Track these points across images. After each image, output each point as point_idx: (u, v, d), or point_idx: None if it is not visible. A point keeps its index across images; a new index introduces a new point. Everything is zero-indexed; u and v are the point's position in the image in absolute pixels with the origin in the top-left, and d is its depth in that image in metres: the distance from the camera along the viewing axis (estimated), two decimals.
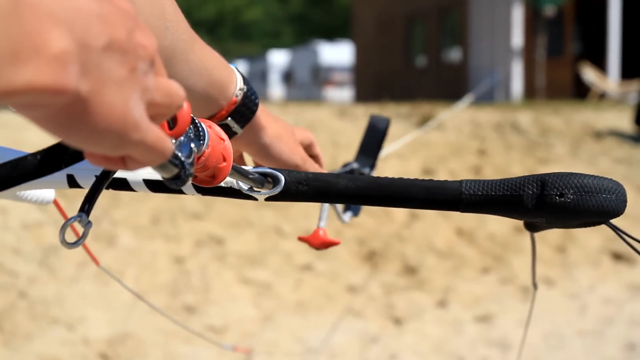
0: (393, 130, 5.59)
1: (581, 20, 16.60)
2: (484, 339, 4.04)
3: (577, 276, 4.98)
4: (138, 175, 0.70)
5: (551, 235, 5.58)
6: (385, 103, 9.93)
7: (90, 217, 0.60)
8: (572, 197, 0.66)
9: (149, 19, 0.71)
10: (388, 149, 1.03)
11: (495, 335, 4.06)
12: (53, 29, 0.36)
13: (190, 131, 0.52)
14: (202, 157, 0.54)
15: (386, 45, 20.29)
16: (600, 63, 15.65)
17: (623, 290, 4.80)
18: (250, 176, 0.66)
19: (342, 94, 23.78)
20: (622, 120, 8.89)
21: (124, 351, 3.68)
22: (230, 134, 0.82)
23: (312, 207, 5.62)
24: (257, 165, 0.85)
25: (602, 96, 14.26)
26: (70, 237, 0.59)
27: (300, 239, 0.93)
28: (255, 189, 0.68)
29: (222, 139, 0.56)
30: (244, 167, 0.68)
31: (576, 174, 0.67)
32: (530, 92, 15.36)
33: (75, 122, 0.38)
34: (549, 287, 4.84)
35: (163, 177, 0.49)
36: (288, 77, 29.24)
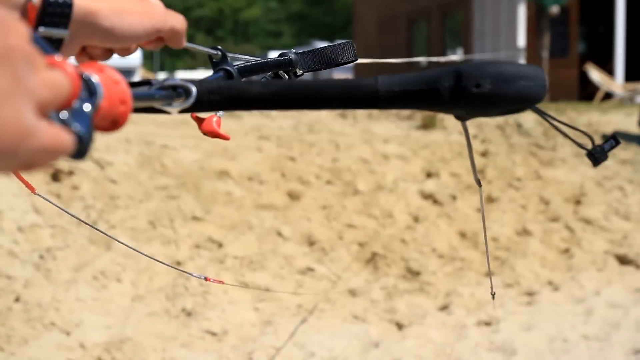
0: (394, 131, 5.55)
1: (587, 21, 16.60)
2: (487, 343, 4.03)
3: (582, 280, 4.97)
4: None
5: (556, 239, 5.57)
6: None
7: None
8: (489, 86, 0.65)
9: None
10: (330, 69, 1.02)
11: (499, 340, 4.05)
12: None
13: (82, 92, 0.49)
14: (100, 111, 0.51)
15: (388, 45, 20.31)
16: (605, 64, 15.64)
17: (629, 294, 4.79)
18: (157, 96, 0.65)
19: None
20: (628, 122, 8.89)
21: (121, 356, 3.67)
22: (56, 43, 0.69)
23: (313, 211, 5.61)
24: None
25: (608, 96, 14.26)
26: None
27: (193, 117, 0.87)
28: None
29: (117, 81, 0.53)
30: (147, 85, 0.66)
31: (492, 63, 0.66)
32: None
33: None
34: (554, 291, 4.83)
35: None
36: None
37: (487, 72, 0.65)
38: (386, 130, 7.58)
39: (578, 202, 6.18)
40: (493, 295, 1.17)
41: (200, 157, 5.97)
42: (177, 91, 0.67)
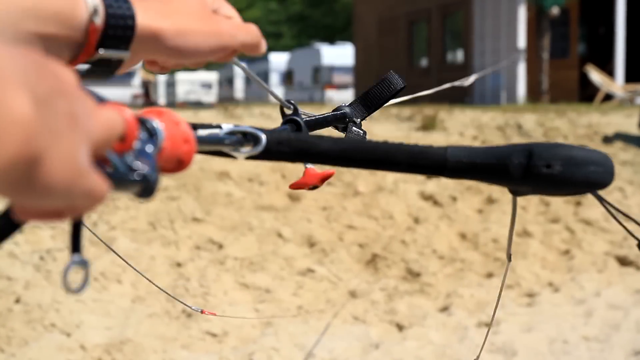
0: (395, 132, 5.56)
1: (587, 22, 16.61)
2: (488, 344, 4.03)
3: (582, 281, 4.97)
4: None
5: (556, 240, 5.58)
6: (387, 105, 9.91)
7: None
8: (559, 168, 0.66)
9: None
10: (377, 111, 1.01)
11: (499, 341, 4.06)
12: (12, 91, 0.33)
13: (141, 133, 0.50)
14: (163, 152, 0.52)
15: (388, 46, 20.33)
16: (605, 65, 15.64)
17: (629, 295, 4.79)
18: (227, 142, 0.65)
19: (345, 96, 23.79)
20: (628, 123, 8.89)
21: (122, 357, 3.68)
22: (115, 64, 0.67)
23: (313, 212, 5.61)
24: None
25: (609, 98, 14.28)
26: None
27: (294, 186, 0.87)
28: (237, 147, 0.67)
29: (177, 122, 0.53)
30: (219, 129, 0.66)
31: (564, 145, 0.66)
32: (535, 94, 15.35)
33: (27, 181, 0.35)
34: (554, 292, 4.83)
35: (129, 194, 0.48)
36: (288, 78, 29.31)
37: (558, 154, 0.66)
38: (386, 131, 7.59)
39: (578, 204, 6.18)
40: None
41: (201, 159, 5.96)
42: (246, 138, 0.67)
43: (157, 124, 0.51)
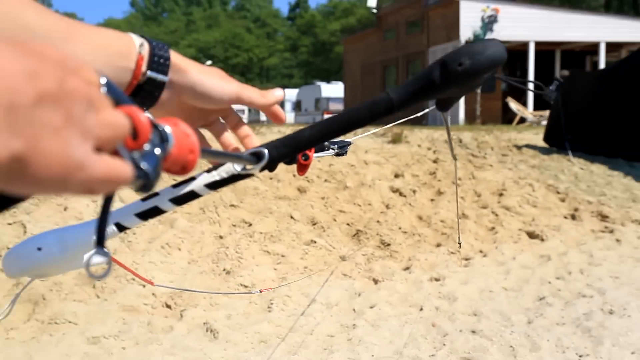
0: (373, 144, 5.50)
1: (508, 67, 16.60)
2: (436, 293, 4.04)
3: (503, 249, 4.98)
4: (200, 183, 0.62)
5: (485, 220, 5.57)
6: (368, 127, 9.90)
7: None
8: (468, 62, 0.58)
9: (5, 34, 0.52)
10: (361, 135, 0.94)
11: (445, 291, 4.06)
12: None
13: (154, 137, 0.41)
14: (170, 157, 0.43)
15: (368, 84, 20.29)
16: (520, 97, 15.64)
17: (535, 259, 4.80)
18: (239, 156, 0.58)
19: None
20: (537, 138, 8.88)
21: (181, 301, 3.69)
22: (159, 85, 0.63)
23: (315, 200, 5.59)
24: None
25: (523, 121, 14.27)
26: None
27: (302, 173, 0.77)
28: (247, 167, 0.61)
29: (187, 134, 0.44)
30: (230, 152, 0.59)
31: (464, 46, 0.60)
32: (471, 118, 15.33)
33: (16, 176, 0.30)
34: (483, 257, 4.84)
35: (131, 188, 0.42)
36: (298, 106, 29.24)
37: (462, 53, 0.59)
38: (366, 143, 7.58)
39: (501, 195, 6.18)
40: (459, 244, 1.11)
41: None
42: (252, 155, 0.60)
43: (170, 131, 0.43)
